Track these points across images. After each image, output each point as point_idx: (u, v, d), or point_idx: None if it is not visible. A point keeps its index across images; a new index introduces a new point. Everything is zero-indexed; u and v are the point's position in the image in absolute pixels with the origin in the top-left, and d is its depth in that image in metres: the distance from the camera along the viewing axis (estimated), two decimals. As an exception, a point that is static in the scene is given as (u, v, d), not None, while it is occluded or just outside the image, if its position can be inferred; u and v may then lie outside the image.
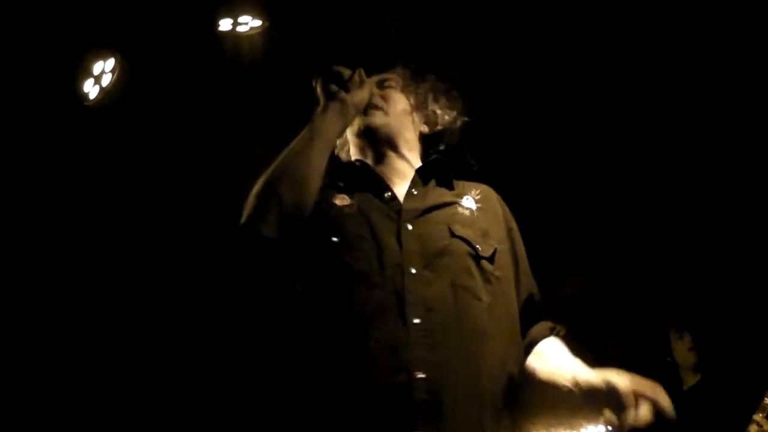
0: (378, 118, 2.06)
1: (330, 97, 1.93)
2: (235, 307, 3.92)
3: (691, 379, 4.03)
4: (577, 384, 1.78)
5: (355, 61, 2.01)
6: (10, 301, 3.75)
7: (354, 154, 2.11)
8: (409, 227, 1.87)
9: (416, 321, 1.73)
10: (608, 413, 1.71)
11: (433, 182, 2.05)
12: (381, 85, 2.11)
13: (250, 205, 1.80)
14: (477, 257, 1.88)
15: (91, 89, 3.45)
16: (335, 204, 1.91)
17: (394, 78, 2.15)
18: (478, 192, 2.04)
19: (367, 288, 1.77)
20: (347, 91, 1.95)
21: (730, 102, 3.75)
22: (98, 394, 4.00)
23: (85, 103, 3.44)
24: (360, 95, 1.97)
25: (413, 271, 1.79)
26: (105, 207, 3.86)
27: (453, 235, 1.88)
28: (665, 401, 1.74)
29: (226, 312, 4.02)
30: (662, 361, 4.12)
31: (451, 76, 2.24)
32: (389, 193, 1.96)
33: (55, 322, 3.90)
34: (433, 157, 2.10)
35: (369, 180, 1.99)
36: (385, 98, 2.09)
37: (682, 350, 4.06)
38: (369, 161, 2.06)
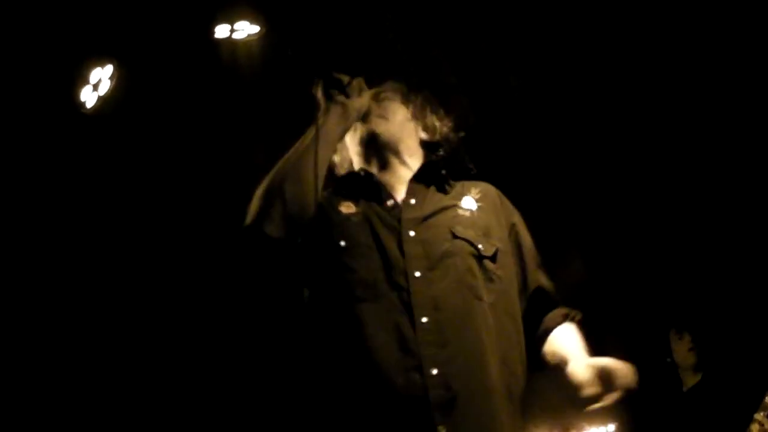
0: (379, 125, 2.09)
1: (331, 100, 1.95)
2: (242, 310, 3.94)
3: (690, 380, 4.04)
4: (565, 364, 1.82)
5: (353, 65, 2.03)
6: (8, 308, 3.75)
7: (357, 164, 2.14)
8: (411, 234, 1.91)
9: (424, 320, 1.78)
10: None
11: (433, 187, 2.07)
12: (378, 96, 2.14)
13: (255, 205, 1.83)
14: (479, 257, 1.92)
15: (88, 97, 3.45)
16: (341, 211, 1.95)
17: (390, 90, 2.17)
18: (477, 191, 2.08)
19: (374, 293, 1.81)
20: (347, 96, 1.98)
21: (731, 101, 3.76)
22: (102, 396, 4.01)
23: (83, 111, 3.44)
24: (360, 101, 2.01)
25: (417, 274, 1.84)
26: (105, 215, 3.86)
27: (455, 236, 1.92)
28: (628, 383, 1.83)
29: (234, 315, 4.03)
30: (662, 361, 4.13)
31: (448, 81, 2.27)
32: (391, 201, 2.00)
33: (52, 327, 3.90)
34: (427, 161, 2.12)
35: (372, 189, 2.02)
36: (384, 108, 2.12)
37: (682, 350, 4.07)
38: (373, 169, 2.09)
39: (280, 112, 3.35)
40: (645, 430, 4.25)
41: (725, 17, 3.41)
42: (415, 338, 1.76)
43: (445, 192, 2.09)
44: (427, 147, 2.17)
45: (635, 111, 3.90)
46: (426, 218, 1.96)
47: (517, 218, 2.11)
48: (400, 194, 2.03)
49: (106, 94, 3.41)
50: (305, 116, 2.00)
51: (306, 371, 1.88)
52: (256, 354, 4.00)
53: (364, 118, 2.08)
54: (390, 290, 1.82)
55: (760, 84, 3.62)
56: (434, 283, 1.84)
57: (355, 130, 2.10)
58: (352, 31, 3.11)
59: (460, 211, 2.01)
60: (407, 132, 2.14)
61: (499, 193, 2.14)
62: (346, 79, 1.98)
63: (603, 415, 5.13)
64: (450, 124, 2.20)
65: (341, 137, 2.04)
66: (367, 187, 2.03)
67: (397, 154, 2.10)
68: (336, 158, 2.12)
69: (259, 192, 1.85)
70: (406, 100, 2.17)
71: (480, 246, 1.93)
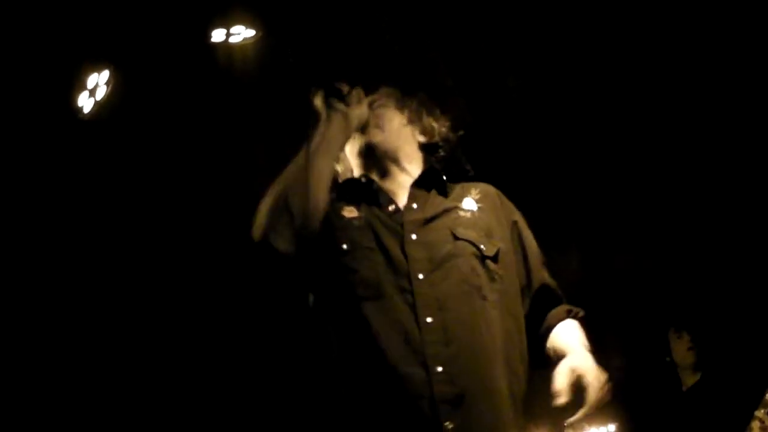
0: (375, 136, 2.10)
1: (332, 109, 1.95)
2: (246, 312, 3.94)
3: (690, 379, 4.04)
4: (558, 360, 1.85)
5: (351, 70, 2.03)
6: (4, 312, 3.75)
7: (357, 173, 2.15)
8: (414, 237, 1.93)
9: (429, 320, 1.81)
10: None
11: (434, 191, 2.09)
12: (372, 105, 2.14)
13: (262, 219, 1.83)
14: (482, 257, 1.93)
15: (85, 102, 3.45)
16: (344, 216, 1.96)
17: (384, 97, 2.17)
18: (477, 192, 2.09)
19: (378, 292, 1.83)
20: (347, 105, 1.99)
21: (729, 101, 3.76)
22: (107, 397, 4.01)
23: (80, 117, 3.44)
24: (360, 110, 2.02)
25: (420, 276, 1.86)
26: (103, 220, 3.86)
27: (456, 238, 1.94)
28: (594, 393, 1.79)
29: (237, 317, 4.04)
30: (662, 360, 4.13)
31: (445, 82, 2.27)
32: (393, 206, 2.01)
33: (48, 331, 3.89)
34: (427, 167, 2.14)
35: (373, 194, 2.04)
36: (379, 117, 2.12)
37: (681, 350, 4.06)
38: (373, 177, 2.10)
39: (278, 116, 3.36)
40: (645, 430, 4.25)
41: (724, 17, 3.42)
42: (420, 338, 1.78)
43: (445, 195, 2.10)
44: (426, 149, 2.18)
45: (633, 111, 3.91)
46: (427, 221, 1.98)
47: (518, 216, 2.13)
48: (402, 200, 2.04)
49: (102, 99, 3.41)
50: (303, 121, 2.00)
51: (313, 370, 1.89)
52: (262, 353, 4.00)
53: (362, 128, 2.09)
54: (394, 292, 1.84)
55: (760, 84, 3.62)
56: (438, 285, 1.86)
57: (353, 140, 2.11)
58: (348, 33, 3.12)
59: (461, 213, 2.02)
60: (404, 138, 2.15)
61: (499, 192, 2.15)
62: (345, 88, 1.99)
63: (603, 415, 5.14)
64: (447, 124, 2.20)
65: (343, 146, 2.05)
66: (368, 193, 2.05)
67: (395, 161, 2.12)
68: (339, 167, 2.13)
69: (264, 205, 1.84)
70: (401, 106, 2.18)
71: (482, 246, 1.95)
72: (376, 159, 2.10)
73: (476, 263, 1.92)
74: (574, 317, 2.06)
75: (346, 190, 2.07)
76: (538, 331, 2.04)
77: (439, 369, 1.76)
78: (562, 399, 1.76)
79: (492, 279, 1.93)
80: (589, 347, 1.94)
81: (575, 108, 3.87)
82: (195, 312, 4.07)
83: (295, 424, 3.49)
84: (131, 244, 3.95)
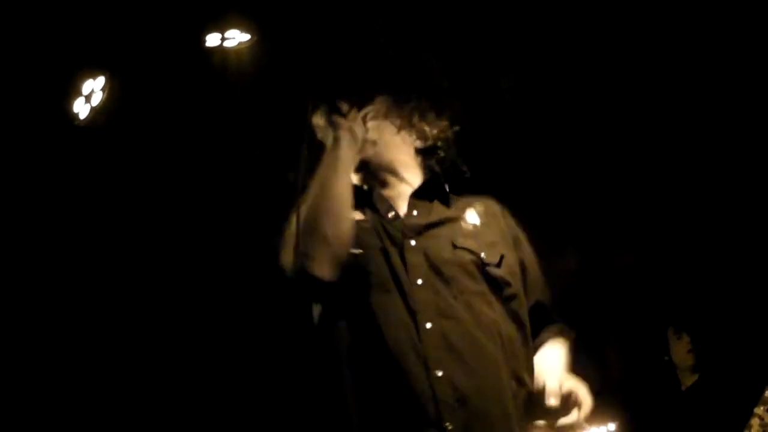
0: (368, 151, 2.10)
1: (338, 128, 1.97)
2: (245, 317, 3.95)
3: (688, 379, 4.04)
4: (541, 384, 1.89)
5: (346, 77, 2.05)
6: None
7: (358, 184, 2.16)
8: (413, 243, 1.94)
9: (428, 326, 1.82)
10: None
11: (436, 201, 2.11)
12: (365, 119, 2.14)
13: (296, 249, 1.81)
14: (483, 264, 1.95)
15: (81, 109, 3.45)
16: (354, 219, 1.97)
17: (375, 108, 2.17)
18: (481, 206, 2.11)
19: (383, 297, 1.86)
20: (349, 122, 2.01)
21: (727, 99, 3.76)
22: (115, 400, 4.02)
23: (77, 123, 3.45)
24: (361, 126, 2.03)
25: (419, 282, 1.88)
26: (101, 227, 3.86)
27: (455, 247, 1.96)
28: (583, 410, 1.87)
29: (238, 322, 4.05)
30: (660, 360, 4.13)
31: (440, 85, 2.28)
32: (392, 213, 2.04)
33: (43, 338, 3.89)
34: (429, 177, 2.15)
35: (374, 203, 2.07)
36: (372, 130, 2.13)
37: (681, 351, 4.06)
38: (375, 187, 2.13)
39: (274, 120, 3.36)
40: (646, 428, 4.25)
41: (720, 18, 3.43)
42: (420, 342, 1.81)
43: (448, 204, 2.12)
44: (423, 153, 2.18)
45: (631, 110, 3.91)
46: (428, 228, 2.00)
47: (520, 233, 2.15)
48: (402, 208, 2.07)
49: (98, 105, 3.41)
50: (298, 122, 2.00)
51: (320, 369, 1.91)
52: (262, 354, 4.01)
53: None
54: (396, 295, 1.86)
55: (759, 84, 3.63)
56: (437, 291, 1.88)
57: None
58: (342, 36, 3.12)
59: (463, 224, 2.04)
60: (398, 147, 2.17)
61: (503, 208, 2.17)
62: (345, 107, 2.00)
63: (603, 414, 5.14)
64: (441, 125, 2.20)
65: (355, 162, 2.06)
66: (368, 201, 2.07)
67: (393, 172, 2.14)
68: None
69: (292, 235, 1.83)
70: (393, 114, 2.19)
71: (483, 254, 1.97)
72: (373, 172, 2.12)
73: (476, 271, 1.94)
74: (565, 338, 2.08)
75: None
76: None
77: (440, 373, 1.78)
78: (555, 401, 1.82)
79: (495, 285, 1.95)
80: (569, 372, 1.96)
81: (570, 108, 3.87)
82: (190, 316, 4.07)
83: (298, 418, 3.50)
84: (128, 250, 3.95)
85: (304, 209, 1.84)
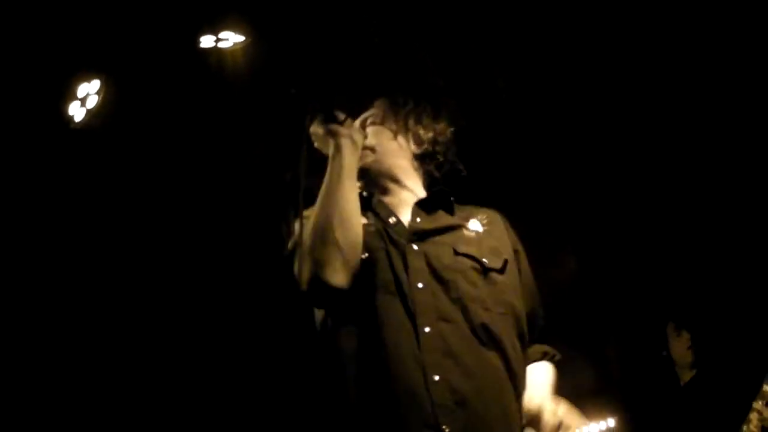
0: (367, 158, 2.12)
1: (339, 136, 1.98)
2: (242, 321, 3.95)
3: (687, 375, 4.04)
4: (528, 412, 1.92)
5: (342, 81, 2.05)
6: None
7: (360, 190, 2.16)
8: (415, 248, 1.96)
9: (427, 330, 1.84)
10: None
11: (440, 211, 2.13)
12: (363, 125, 2.18)
13: (311, 258, 1.82)
14: (484, 270, 1.97)
15: (77, 112, 3.45)
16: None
17: (373, 114, 2.20)
18: (484, 216, 2.13)
19: (385, 299, 1.87)
20: (348, 130, 2.03)
21: (727, 97, 3.77)
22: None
23: (72, 126, 3.44)
24: (359, 133, 2.06)
25: (420, 285, 1.89)
26: (97, 230, 3.86)
27: (457, 253, 1.98)
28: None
29: (235, 325, 4.05)
30: (658, 356, 4.14)
31: (436, 84, 2.28)
32: (394, 219, 2.05)
33: (37, 343, 3.89)
34: (435, 189, 2.17)
35: (375, 209, 2.08)
36: (370, 137, 2.15)
37: (680, 348, 4.06)
38: (376, 194, 2.14)
39: (270, 119, 3.36)
40: (645, 423, 4.26)
41: (724, 17, 3.43)
42: (419, 345, 1.82)
43: (452, 213, 2.13)
44: (420, 159, 2.19)
45: (628, 108, 3.91)
46: (430, 234, 2.02)
47: (520, 247, 2.16)
48: (403, 214, 2.08)
49: (94, 108, 3.41)
50: (293, 123, 2.01)
51: (320, 368, 1.93)
52: (263, 356, 4.02)
53: None
54: (397, 299, 1.88)
55: (756, 82, 3.63)
56: (437, 296, 1.89)
57: None
58: (336, 35, 3.12)
59: (466, 232, 2.06)
60: (397, 154, 2.18)
61: (505, 220, 2.18)
62: (342, 116, 2.02)
63: (603, 410, 5.14)
64: (437, 128, 2.21)
65: (358, 168, 2.07)
66: (370, 207, 2.08)
67: (393, 179, 2.15)
68: None
69: (307, 244, 1.84)
70: (391, 119, 2.20)
71: (485, 260, 1.98)
72: (374, 179, 2.14)
73: (476, 276, 1.95)
74: (550, 360, 2.09)
75: None
76: None
77: (437, 377, 1.79)
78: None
79: (498, 290, 1.96)
80: (550, 397, 1.98)
81: (566, 107, 3.87)
82: (187, 318, 4.07)
83: (301, 420, 3.51)
84: (124, 253, 3.95)
85: (313, 218, 1.87)
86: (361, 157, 2.08)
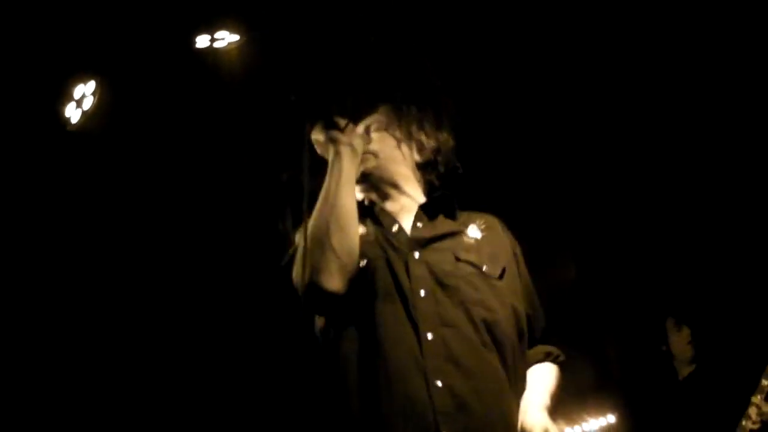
0: (369, 163, 2.13)
1: (338, 143, 2.00)
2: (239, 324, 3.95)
3: (685, 370, 4.05)
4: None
5: (343, 86, 2.06)
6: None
7: (360, 197, 2.18)
8: (416, 255, 1.98)
9: (429, 336, 1.85)
10: None
11: (440, 216, 2.13)
12: (367, 130, 2.17)
13: (307, 262, 1.84)
14: (485, 276, 1.99)
15: (73, 113, 3.45)
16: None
17: (376, 120, 2.19)
18: (483, 222, 2.13)
19: (387, 307, 1.89)
20: (348, 136, 2.03)
21: (719, 93, 3.77)
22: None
23: (68, 128, 3.44)
24: (359, 139, 2.06)
25: (422, 293, 1.91)
26: (94, 231, 3.86)
27: (458, 259, 1.99)
28: None
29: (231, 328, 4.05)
30: (657, 350, 4.14)
31: (433, 83, 2.28)
32: (396, 227, 2.06)
33: (24, 353, 3.89)
34: (437, 193, 2.17)
35: (377, 216, 2.09)
36: (373, 142, 2.15)
37: (680, 342, 4.06)
38: (376, 201, 2.15)
39: (266, 119, 3.36)
40: (645, 418, 4.27)
41: (723, 17, 3.43)
42: (421, 352, 1.83)
43: (453, 218, 2.14)
44: (423, 168, 2.20)
45: (626, 105, 3.91)
46: (431, 241, 2.03)
47: (518, 250, 2.17)
48: (404, 220, 2.09)
49: (90, 109, 3.41)
50: (289, 123, 2.01)
51: (321, 375, 1.94)
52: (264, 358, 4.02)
53: None
54: (399, 306, 1.89)
55: (751, 79, 3.63)
56: (440, 303, 1.91)
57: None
58: (333, 33, 3.12)
59: (465, 239, 2.06)
60: (399, 160, 2.18)
61: (504, 225, 2.19)
62: (343, 122, 2.03)
63: (603, 407, 5.15)
64: (440, 136, 2.22)
65: (357, 175, 2.08)
66: (371, 215, 2.10)
67: (394, 185, 2.15)
68: None
69: (302, 250, 1.86)
70: (393, 126, 2.20)
71: (484, 267, 2.00)
72: (375, 185, 2.14)
73: (478, 282, 1.97)
74: (553, 360, 2.10)
75: None
76: None
77: (439, 383, 1.80)
78: None
79: (498, 297, 1.97)
80: (550, 401, 1.98)
81: (568, 98, 3.87)
82: (183, 321, 4.08)
83: (303, 425, 3.50)
84: (121, 254, 3.95)
85: (311, 224, 1.88)
86: (363, 162, 2.09)
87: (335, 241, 1.86)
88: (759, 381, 3.23)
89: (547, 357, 2.10)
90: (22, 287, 3.80)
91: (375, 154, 2.13)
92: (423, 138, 2.20)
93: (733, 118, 3.87)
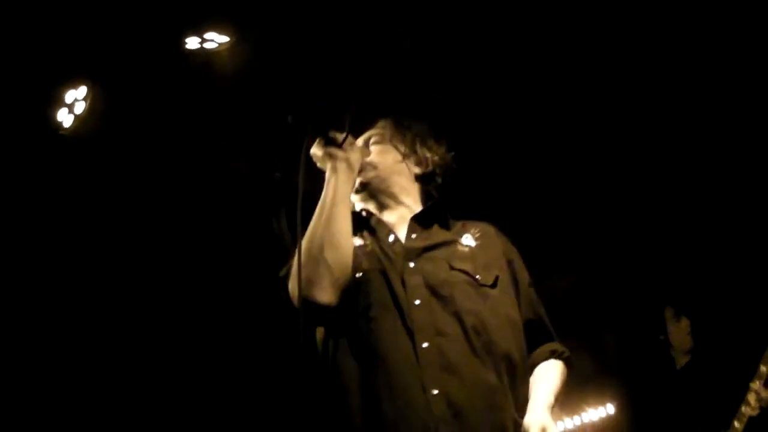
0: (368, 173, 2.16)
1: (335, 159, 2.02)
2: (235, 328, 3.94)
3: (682, 359, 4.05)
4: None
5: (342, 100, 2.07)
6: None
7: (358, 207, 2.21)
8: (411, 265, 2.01)
9: (425, 345, 1.88)
10: None
11: (435, 225, 2.16)
12: (367, 143, 2.22)
13: (300, 276, 1.86)
14: (478, 285, 2.01)
15: (65, 118, 3.45)
16: (354, 244, 2.03)
17: (377, 133, 2.24)
18: (477, 230, 2.16)
19: (384, 317, 1.92)
20: (345, 151, 2.05)
21: (714, 91, 3.77)
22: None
23: (61, 132, 3.44)
24: (357, 153, 2.09)
25: (417, 302, 1.94)
26: (87, 235, 3.85)
27: (452, 268, 2.02)
28: None
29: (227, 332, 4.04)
30: (656, 340, 4.15)
31: (431, 96, 2.29)
32: (392, 237, 2.09)
33: (21, 355, 3.89)
34: (431, 203, 2.21)
35: (374, 227, 2.12)
36: (373, 154, 2.19)
37: (679, 332, 4.07)
38: (374, 211, 2.18)
39: (257, 120, 3.36)
40: (644, 407, 4.28)
41: (722, 17, 3.43)
42: (417, 361, 1.86)
43: (447, 228, 2.17)
44: (422, 180, 2.22)
45: (625, 99, 3.91)
46: (426, 250, 2.05)
47: (515, 255, 2.19)
48: (400, 231, 2.11)
49: (82, 113, 3.41)
50: (284, 122, 2.02)
51: (320, 384, 1.96)
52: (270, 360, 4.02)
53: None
54: (396, 316, 1.92)
55: (748, 78, 3.63)
56: (434, 312, 1.93)
57: None
58: (325, 35, 3.12)
59: (459, 247, 2.09)
60: (398, 172, 2.21)
61: (498, 232, 2.21)
62: (340, 136, 2.05)
63: (602, 396, 5.17)
64: (440, 150, 2.26)
65: (352, 190, 2.11)
66: (368, 226, 2.12)
67: (392, 196, 2.18)
68: None
69: (296, 264, 1.88)
70: (394, 138, 2.24)
71: (478, 276, 2.02)
72: (373, 195, 2.17)
73: (472, 291, 1.99)
74: (559, 357, 2.12)
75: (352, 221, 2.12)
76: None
77: (435, 392, 1.82)
78: None
79: (492, 305, 1.99)
80: (554, 398, 2.00)
81: (566, 97, 3.87)
82: (180, 324, 4.08)
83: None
84: (114, 257, 3.94)
85: (305, 239, 1.92)
86: (362, 172, 2.13)
87: (328, 256, 1.90)
88: (758, 367, 3.24)
89: (552, 354, 2.11)
90: (16, 290, 3.80)
91: (374, 166, 2.16)
92: (423, 150, 2.24)
93: (726, 110, 3.87)
